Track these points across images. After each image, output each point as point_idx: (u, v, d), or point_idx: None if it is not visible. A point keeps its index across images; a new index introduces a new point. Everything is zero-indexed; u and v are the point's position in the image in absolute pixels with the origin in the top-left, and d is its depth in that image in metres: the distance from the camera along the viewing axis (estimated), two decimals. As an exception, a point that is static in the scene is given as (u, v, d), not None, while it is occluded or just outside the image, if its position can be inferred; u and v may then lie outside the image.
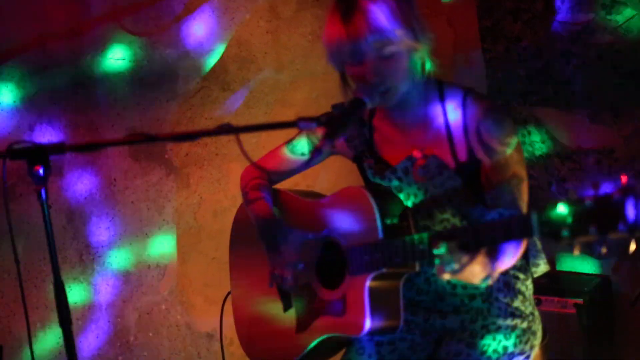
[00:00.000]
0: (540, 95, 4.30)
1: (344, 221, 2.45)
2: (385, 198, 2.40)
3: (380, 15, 2.23)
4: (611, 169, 4.07)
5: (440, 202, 2.42)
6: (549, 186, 4.27)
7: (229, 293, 2.92)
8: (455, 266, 2.07)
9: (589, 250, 1.79)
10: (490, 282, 2.28)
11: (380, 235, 2.31)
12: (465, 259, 2.08)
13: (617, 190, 1.74)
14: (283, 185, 2.85)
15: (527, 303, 2.54)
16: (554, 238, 1.85)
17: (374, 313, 2.34)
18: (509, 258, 2.29)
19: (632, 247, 1.79)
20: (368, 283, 2.34)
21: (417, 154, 2.43)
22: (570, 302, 3.83)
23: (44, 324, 3.35)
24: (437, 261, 2.10)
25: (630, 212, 1.71)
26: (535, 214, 1.90)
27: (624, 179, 1.75)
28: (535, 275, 2.59)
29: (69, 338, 1.98)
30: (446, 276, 2.11)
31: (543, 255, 2.47)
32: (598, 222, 1.76)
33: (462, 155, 2.38)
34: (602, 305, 4.04)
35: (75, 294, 3.45)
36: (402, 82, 2.32)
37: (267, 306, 2.72)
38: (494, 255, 2.22)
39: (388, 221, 2.33)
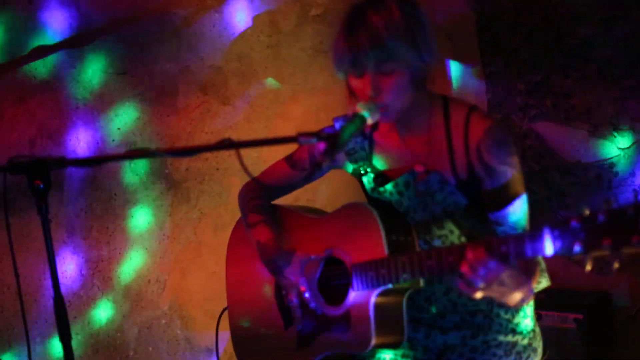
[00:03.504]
0: (539, 109, 4.30)
1: (348, 237, 2.45)
2: (388, 213, 2.40)
3: (385, 32, 2.22)
4: (611, 183, 4.07)
5: (439, 218, 2.42)
6: (549, 201, 4.27)
7: (225, 309, 2.90)
8: (483, 278, 2.06)
9: (602, 271, 1.78)
10: (526, 303, 2.28)
11: (386, 251, 2.31)
12: (496, 267, 2.06)
13: (631, 204, 1.73)
14: (284, 200, 2.85)
15: (528, 319, 2.53)
16: (567, 253, 1.84)
17: (379, 329, 2.34)
18: (538, 275, 2.30)
19: None
20: (373, 299, 2.34)
21: (419, 168, 2.42)
22: (570, 317, 3.83)
23: (44, 338, 3.34)
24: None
25: None
26: (547, 229, 1.90)
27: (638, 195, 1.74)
28: (536, 291, 2.59)
29: (69, 353, 1.97)
30: (477, 294, 2.10)
31: (546, 273, 2.46)
32: (612, 237, 1.75)
33: (463, 173, 2.37)
34: (602, 320, 4.03)
35: (75, 309, 3.45)
36: (401, 98, 2.31)
37: (267, 323, 2.71)
38: (530, 273, 2.22)
39: (393, 237, 2.33)
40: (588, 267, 1.81)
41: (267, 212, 2.73)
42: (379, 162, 2.54)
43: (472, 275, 2.06)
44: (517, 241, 2.00)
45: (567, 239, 1.84)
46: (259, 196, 2.75)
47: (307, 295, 2.53)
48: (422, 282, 2.32)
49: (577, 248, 1.81)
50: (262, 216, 2.70)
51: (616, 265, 1.76)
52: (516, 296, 2.20)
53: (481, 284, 2.07)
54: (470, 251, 2.06)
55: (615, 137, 4.04)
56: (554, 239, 1.88)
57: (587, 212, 1.80)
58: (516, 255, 2.01)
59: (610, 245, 1.75)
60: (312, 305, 2.55)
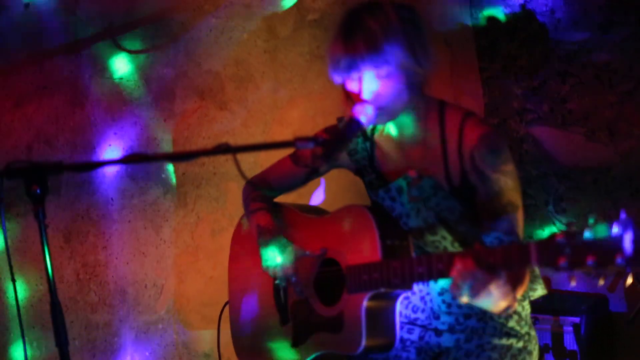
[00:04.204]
0: (536, 114, 4.31)
1: (344, 239, 2.46)
2: (385, 218, 2.41)
3: (381, 36, 2.23)
4: (608, 187, 4.07)
5: (432, 224, 2.42)
6: (546, 205, 4.27)
7: (226, 303, 2.92)
8: (471, 287, 2.07)
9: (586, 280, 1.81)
10: (510, 311, 2.29)
11: (380, 255, 2.32)
12: (483, 278, 2.07)
13: (616, 223, 1.75)
14: (283, 199, 2.86)
15: (522, 323, 2.53)
16: (552, 268, 1.86)
17: (369, 331, 2.35)
18: (525, 286, 2.31)
19: (629, 280, 1.82)
20: (365, 302, 2.35)
21: (412, 173, 2.43)
22: (567, 320, 3.83)
23: (40, 343, 3.34)
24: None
25: (628, 245, 1.73)
26: (534, 243, 1.91)
27: (623, 214, 1.76)
28: (532, 299, 2.59)
29: (66, 357, 1.97)
30: (464, 299, 2.11)
31: (541, 280, 2.47)
32: (596, 255, 1.77)
33: (456, 180, 2.37)
34: (599, 323, 4.03)
35: (72, 314, 3.44)
36: (396, 102, 2.31)
37: (265, 319, 2.73)
38: (516, 284, 2.23)
39: (388, 242, 2.34)
40: (572, 283, 1.85)
41: (269, 202, 2.76)
42: (379, 164, 2.55)
43: (461, 284, 2.07)
44: (504, 253, 2.02)
45: (552, 255, 1.86)
46: (262, 189, 2.77)
47: (298, 287, 2.55)
48: (414, 287, 2.33)
49: (562, 264, 1.84)
50: (263, 204, 2.73)
51: (601, 282, 1.79)
52: (500, 305, 2.21)
53: (469, 292, 2.08)
54: (459, 261, 2.07)
55: (612, 141, 4.04)
56: (540, 254, 1.90)
57: (573, 228, 1.83)
58: (503, 267, 2.04)
59: (594, 263, 1.78)
60: (302, 297, 2.56)
